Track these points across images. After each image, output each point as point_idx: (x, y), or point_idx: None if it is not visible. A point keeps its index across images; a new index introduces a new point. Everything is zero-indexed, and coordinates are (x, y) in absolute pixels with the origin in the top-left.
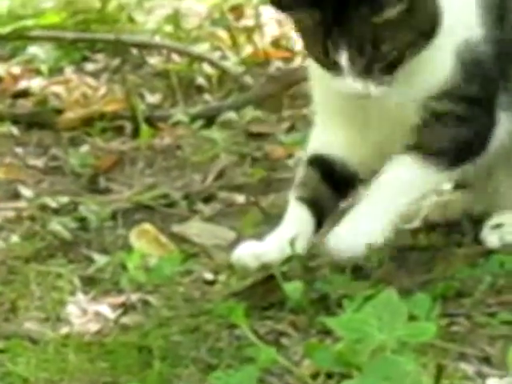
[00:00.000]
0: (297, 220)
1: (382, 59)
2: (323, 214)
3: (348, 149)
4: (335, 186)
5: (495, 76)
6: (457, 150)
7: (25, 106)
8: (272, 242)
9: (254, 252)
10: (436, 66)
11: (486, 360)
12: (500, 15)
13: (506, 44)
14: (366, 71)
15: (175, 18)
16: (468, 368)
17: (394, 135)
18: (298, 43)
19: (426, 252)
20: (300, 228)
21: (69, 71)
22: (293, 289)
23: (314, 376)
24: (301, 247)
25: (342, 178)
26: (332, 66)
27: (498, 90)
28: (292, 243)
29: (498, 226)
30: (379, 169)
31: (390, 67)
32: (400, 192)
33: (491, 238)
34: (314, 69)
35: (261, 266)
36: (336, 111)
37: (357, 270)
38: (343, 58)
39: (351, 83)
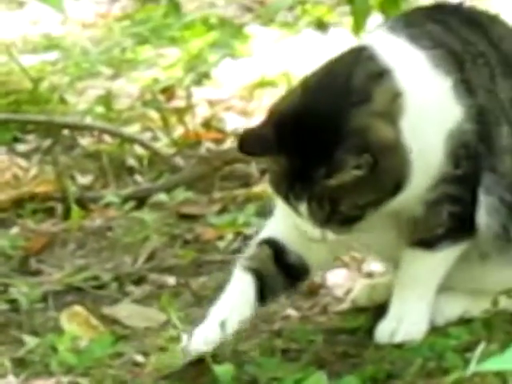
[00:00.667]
0: (237, 293)
1: (340, 215)
2: (268, 290)
3: (304, 245)
4: (285, 270)
5: (480, 151)
6: (456, 226)
7: None
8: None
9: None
10: (428, 163)
11: None
12: (471, 88)
13: (483, 114)
14: (324, 222)
15: (107, 99)
16: None
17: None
18: (228, 124)
19: (355, 334)
20: (239, 300)
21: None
22: (223, 372)
23: None
24: (234, 327)
25: (293, 266)
26: (293, 209)
27: (481, 168)
28: (223, 325)
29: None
30: (330, 264)
31: (350, 220)
32: (435, 280)
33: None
34: None
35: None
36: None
37: (287, 353)
38: (303, 209)
39: (310, 229)
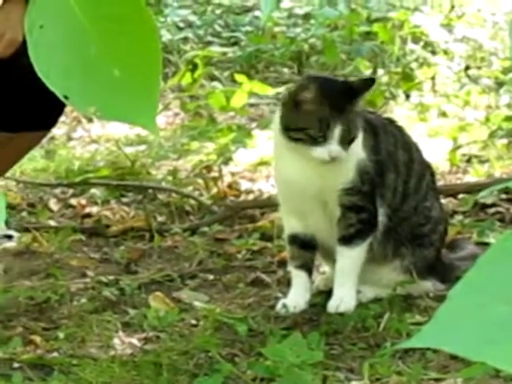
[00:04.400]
0: (300, 286)
1: (351, 135)
2: (311, 268)
3: (306, 227)
4: (306, 247)
5: (376, 179)
6: (364, 228)
7: None
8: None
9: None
10: (345, 169)
11: None
12: (373, 145)
13: (379, 162)
14: (344, 142)
15: (174, 172)
16: None
17: (327, 223)
18: (242, 186)
19: (316, 307)
20: (302, 290)
21: None
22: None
23: None
24: (302, 307)
25: (308, 242)
26: (326, 137)
27: (376, 189)
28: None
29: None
30: (328, 235)
31: (351, 142)
32: (356, 267)
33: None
34: (277, 171)
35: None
36: (292, 206)
37: (278, 319)
38: (337, 132)
39: (335, 148)
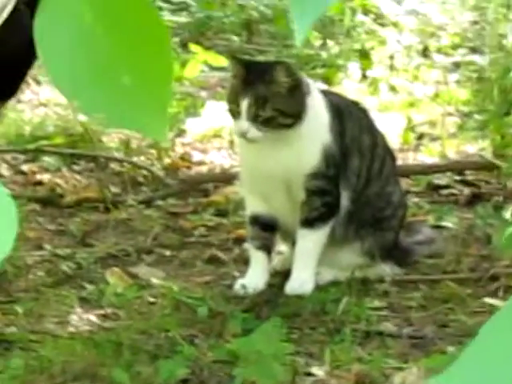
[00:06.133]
0: (258, 267)
1: (263, 115)
2: (270, 249)
3: (268, 208)
4: (268, 228)
5: (340, 163)
6: (328, 212)
7: None
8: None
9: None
10: (309, 154)
11: None
12: (339, 130)
13: (344, 146)
14: (253, 119)
15: (126, 142)
16: None
17: (290, 205)
18: (193, 157)
19: (273, 288)
20: (261, 271)
21: None
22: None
23: None
24: (261, 288)
25: (269, 223)
26: (236, 110)
27: (340, 173)
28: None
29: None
30: (290, 217)
31: (268, 123)
32: (317, 250)
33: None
34: (241, 154)
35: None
36: (255, 187)
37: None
38: (244, 105)
39: (241, 125)
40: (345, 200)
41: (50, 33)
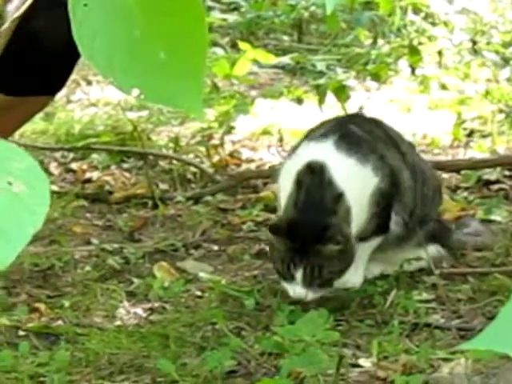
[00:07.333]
0: None
1: (322, 279)
2: None
3: None
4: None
5: (392, 192)
6: (379, 230)
7: None
8: None
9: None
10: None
11: None
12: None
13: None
14: (311, 285)
15: (176, 139)
16: None
17: None
18: (243, 155)
19: None
20: None
21: None
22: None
23: None
24: None
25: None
26: (289, 276)
27: (392, 201)
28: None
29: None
30: None
31: (326, 284)
32: (367, 253)
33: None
34: (281, 185)
35: None
36: None
37: None
38: (298, 274)
39: (296, 291)
40: (397, 219)
41: (84, 8)
